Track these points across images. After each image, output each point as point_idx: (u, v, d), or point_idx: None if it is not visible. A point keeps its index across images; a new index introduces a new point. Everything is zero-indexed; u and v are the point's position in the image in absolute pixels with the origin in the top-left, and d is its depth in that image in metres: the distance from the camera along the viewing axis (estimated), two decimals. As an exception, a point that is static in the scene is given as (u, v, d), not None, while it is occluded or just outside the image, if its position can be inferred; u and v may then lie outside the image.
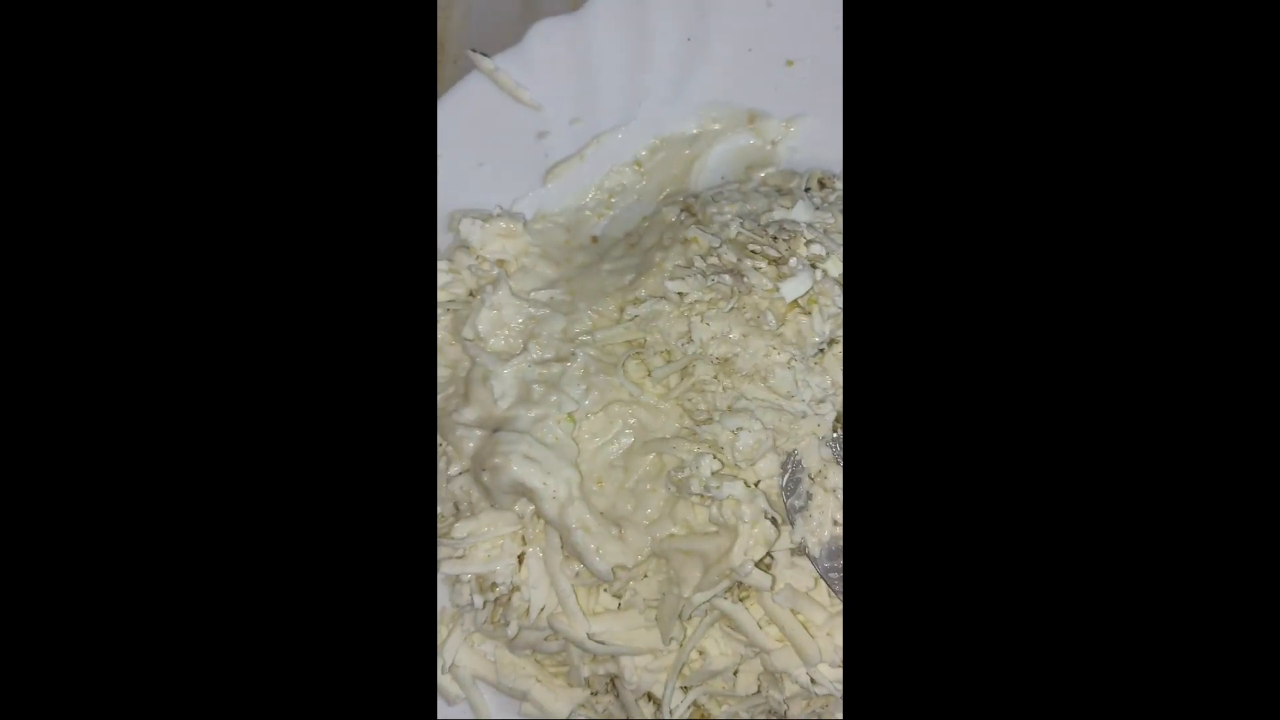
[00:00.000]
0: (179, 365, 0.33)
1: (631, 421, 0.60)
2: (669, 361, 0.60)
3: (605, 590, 0.60)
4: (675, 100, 0.69)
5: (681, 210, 0.65)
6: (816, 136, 0.69)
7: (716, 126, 0.70)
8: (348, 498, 0.35)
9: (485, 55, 0.65)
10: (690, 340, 0.58)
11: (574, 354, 0.61)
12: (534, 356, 0.62)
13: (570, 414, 0.60)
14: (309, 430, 0.35)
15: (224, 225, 0.34)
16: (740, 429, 0.56)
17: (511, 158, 0.68)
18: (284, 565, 0.34)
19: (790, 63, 0.68)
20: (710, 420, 0.58)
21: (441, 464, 0.62)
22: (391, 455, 0.36)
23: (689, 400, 0.59)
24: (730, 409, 0.57)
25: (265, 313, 0.34)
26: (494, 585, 0.60)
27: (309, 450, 0.35)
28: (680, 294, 0.59)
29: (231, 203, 0.34)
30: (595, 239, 0.70)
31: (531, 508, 0.60)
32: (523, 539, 0.61)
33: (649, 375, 0.61)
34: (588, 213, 0.70)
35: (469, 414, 0.61)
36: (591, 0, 0.65)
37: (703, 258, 0.60)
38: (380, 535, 0.35)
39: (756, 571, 0.56)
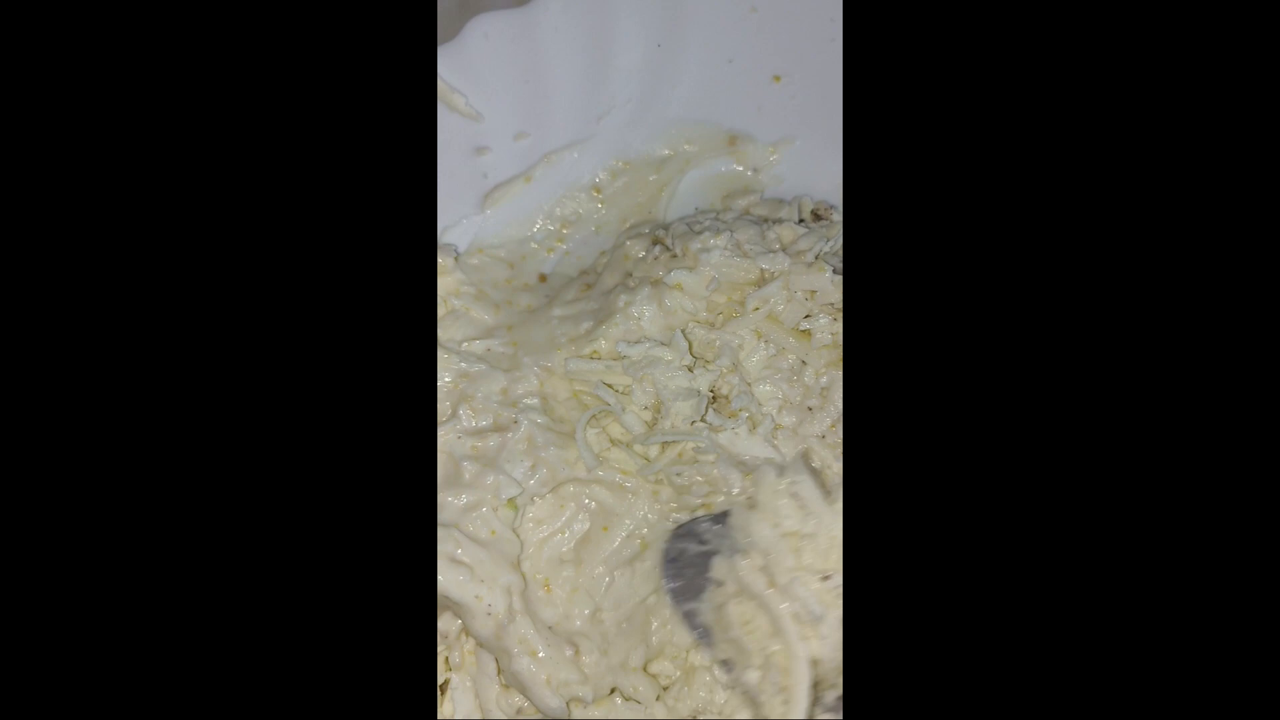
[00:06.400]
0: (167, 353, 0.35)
1: (590, 505, 0.51)
2: (653, 425, 0.51)
3: (555, 728, 0.50)
4: (642, 117, 0.61)
5: (652, 243, 0.57)
6: (807, 162, 0.62)
7: (690, 149, 0.62)
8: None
9: (412, 52, 0.53)
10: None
11: (516, 421, 0.52)
12: (465, 425, 0.51)
13: (511, 499, 0.50)
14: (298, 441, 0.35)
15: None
16: None
17: (443, 177, 0.59)
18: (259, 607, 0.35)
19: (777, 78, 0.61)
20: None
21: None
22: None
23: (679, 475, 0.50)
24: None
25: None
26: (406, 730, 0.46)
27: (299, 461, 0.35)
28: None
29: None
30: (544, 277, 0.61)
31: (458, 623, 0.49)
32: (446, 663, 0.50)
33: (612, 446, 0.53)
34: (534, 245, 0.62)
35: (379, 498, 0.48)
36: (541, -7, 0.57)
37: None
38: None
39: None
